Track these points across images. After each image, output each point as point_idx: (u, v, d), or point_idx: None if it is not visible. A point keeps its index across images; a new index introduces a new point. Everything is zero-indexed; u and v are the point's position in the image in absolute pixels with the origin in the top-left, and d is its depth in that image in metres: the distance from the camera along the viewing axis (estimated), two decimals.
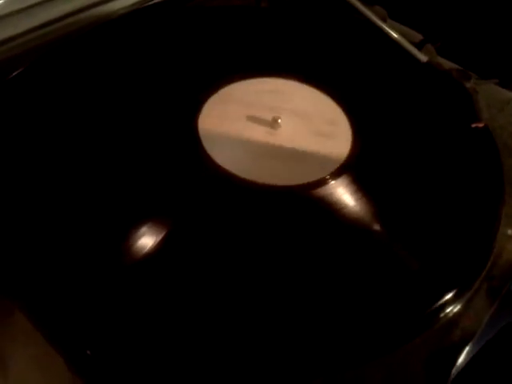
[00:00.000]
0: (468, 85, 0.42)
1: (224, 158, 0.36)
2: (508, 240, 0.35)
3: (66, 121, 0.38)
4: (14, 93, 0.40)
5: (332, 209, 0.34)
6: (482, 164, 0.38)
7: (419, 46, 0.48)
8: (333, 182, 0.35)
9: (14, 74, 0.41)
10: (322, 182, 0.35)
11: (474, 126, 0.40)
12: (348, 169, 0.36)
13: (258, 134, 0.38)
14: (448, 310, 0.31)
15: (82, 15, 0.47)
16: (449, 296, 0.31)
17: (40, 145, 0.37)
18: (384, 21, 0.50)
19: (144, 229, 0.32)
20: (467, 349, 0.31)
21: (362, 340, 0.30)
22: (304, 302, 0.31)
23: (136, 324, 0.29)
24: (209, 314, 0.29)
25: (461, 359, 0.31)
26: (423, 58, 0.45)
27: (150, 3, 0.50)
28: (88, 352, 0.28)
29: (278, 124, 0.38)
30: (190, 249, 0.32)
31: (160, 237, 0.32)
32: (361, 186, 0.36)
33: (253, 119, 0.39)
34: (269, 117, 0.38)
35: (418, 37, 0.50)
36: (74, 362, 0.28)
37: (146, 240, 0.32)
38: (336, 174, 0.36)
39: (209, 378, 0.28)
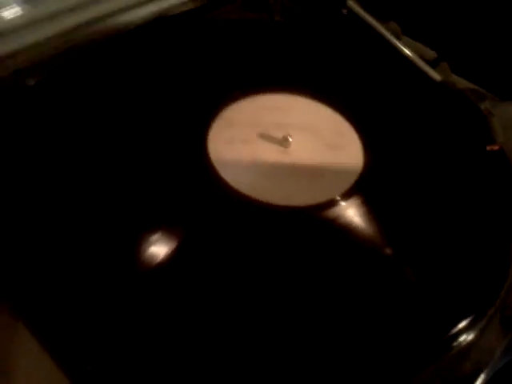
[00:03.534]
0: (483, 106, 0.41)
1: (234, 177, 0.35)
2: None
3: (80, 131, 0.38)
4: (33, 102, 0.40)
5: (343, 230, 0.34)
6: (496, 187, 0.38)
7: (433, 63, 0.48)
8: (344, 202, 0.35)
9: (33, 83, 0.41)
10: (333, 202, 0.35)
11: (488, 148, 0.39)
12: (359, 189, 0.36)
13: (269, 152, 0.37)
14: (460, 340, 0.30)
15: (96, 26, 0.47)
16: (461, 325, 0.30)
17: (55, 154, 0.36)
18: (398, 37, 0.49)
19: (151, 244, 0.32)
20: (481, 379, 0.30)
21: (370, 370, 0.29)
22: (312, 325, 0.30)
23: (138, 340, 0.28)
24: (218, 334, 0.29)
25: None
26: (437, 76, 0.44)
27: (164, 16, 0.50)
28: (89, 368, 0.27)
29: (289, 142, 0.37)
30: (197, 268, 0.31)
31: (168, 256, 0.31)
32: (372, 207, 0.35)
33: (263, 137, 0.38)
34: (280, 135, 0.38)
35: (433, 54, 0.49)
36: (76, 377, 0.28)
37: (153, 257, 0.31)
38: (347, 195, 0.35)
39: None
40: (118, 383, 0.27)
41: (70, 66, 0.43)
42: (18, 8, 0.43)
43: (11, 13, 0.43)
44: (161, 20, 0.48)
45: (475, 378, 0.30)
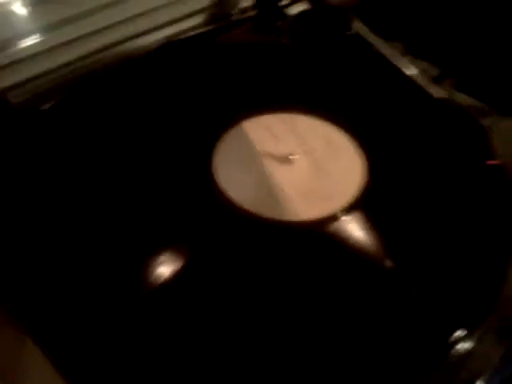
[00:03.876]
0: (484, 122, 0.42)
1: (237, 192, 0.37)
2: None
3: (91, 152, 0.40)
4: (47, 126, 0.42)
5: (343, 244, 0.35)
6: (495, 201, 0.38)
7: (437, 80, 0.49)
8: (344, 217, 0.36)
9: (44, 108, 0.43)
10: (334, 217, 0.36)
11: (489, 163, 0.40)
12: (360, 205, 0.37)
13: (272, 170, 0.39)
14: (457, 349, 0.31)
15: (108, 53, 0.49)
16: (458, 334, 0.31)
17: (66, 174, 0.38)
18: (402, 56, 0.51)
19: (157, 263, 0.33)
20: None
21: (369, 380, 0.30)
22: (312, 338, 0.31)
23: (143, 355, 0.30)
24: (221, 347, 0.30)
25: None
26: (439, 94, 0.45)
27: (174, 40, 0.52)
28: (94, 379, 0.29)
29: (292, 161, 0.39)
30: (202, 282, 0.33)
31: (174, 271, 0.33)
32: (372, 222, 0.36)
33: (268, 155, 0.40)
34: (283, 153, 0.39)
35: (436, 71, 0.51)
36: None
37: (158, 273, 0.33)
38: (348, 211, 0.36)
39: None
40: None
41: (83, 91, 0.45)
42: (35, 36, 0.45)
43: (28, 41, 0.45)
44: (171, 44, 0.50)
45: None
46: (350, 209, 0.37)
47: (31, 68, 0.46)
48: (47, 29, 0.46)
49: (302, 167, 0.39)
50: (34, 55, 0.46)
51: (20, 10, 0.44)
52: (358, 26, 0.53)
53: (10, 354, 0.31)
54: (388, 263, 0.35)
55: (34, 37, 0.46)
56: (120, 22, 0.48)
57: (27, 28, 0.45)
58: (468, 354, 0.31)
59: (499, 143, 0.43)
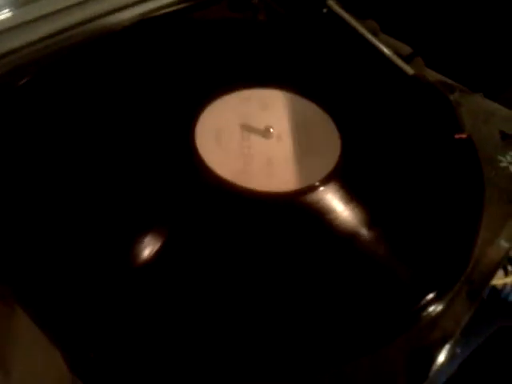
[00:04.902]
0: (452, 97, 0.44)
1: (218, 164, 0.38)
2: (487, 245, 0.37)
3: (67, 129, 0.40)
4: (19, 102, 0.42)
5: (321, 214, 0.36)
6: (464, 172, 0.40)
7: (408, 58, 0.50)
8: (322, 188, 0.37)
9: (19, 84, 0.43)
10: (311, 188, 0.37)
11: (457, 136, 0.42)
12: (336, 176, 0.38)
13: (251, 142, 0.40)
14: (430, 310, 0.33)
15: (85, 27, 0.49)
16: (430, 297, 0.33)
17: (43, 152, 0.38)
18: (376, 35, 0.52)
19: (143, 237, 0.34)
20: (447, 347, 0.33)
21: (347, 339, 0.31)
22: (292, 304, 0.32)
23: (140, 328, 0.30)
24: (207, 319, 0.31)
25: (441, 357, 0.33)
26: (410, 70, 0.47)
27: (150, 16, 0.52)
28: (91, 355, 0.29)
29: (271, 133, 0.40)
30: (187, 255, 0.34)
31: (159, 244, 0.33)
32: (349, 192, 0.37)
33: (247, 128, 0.41)
34: (262, 126, 0.40)
35: (408, 49, 0.52)
36: (76, 364, 0.29)
37: (146, 247, 0.33)
38: (325, 181, 0.38)
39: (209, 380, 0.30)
40: (119, 371, 0.29)
41: (57, 66, 0.45)
42: (8, 10, 0.45)
43: (1, 15, 0.45)
44: (147, 20, 0.50)
45: (442, 345, 0.32)
46: (327, 180, 0.38)
47: (5, 43, 0.45)
48: (21, 3, 0.45)
49: (281, 140, 0.40)
50: (7, 30, 0.45)
51: None
52: (333, 5, 0.54)
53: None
54: (363, 230, 0.36)
55: (6, 11, 0.45)
56: None
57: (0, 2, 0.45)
58: (439, 315, 0.33)
59: (467, 118, 0.44)
